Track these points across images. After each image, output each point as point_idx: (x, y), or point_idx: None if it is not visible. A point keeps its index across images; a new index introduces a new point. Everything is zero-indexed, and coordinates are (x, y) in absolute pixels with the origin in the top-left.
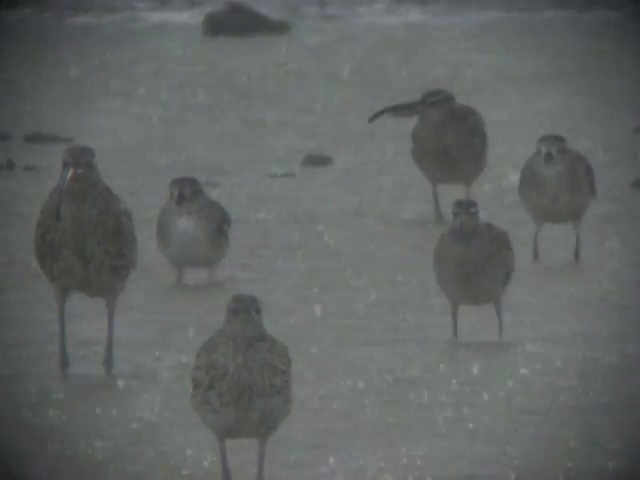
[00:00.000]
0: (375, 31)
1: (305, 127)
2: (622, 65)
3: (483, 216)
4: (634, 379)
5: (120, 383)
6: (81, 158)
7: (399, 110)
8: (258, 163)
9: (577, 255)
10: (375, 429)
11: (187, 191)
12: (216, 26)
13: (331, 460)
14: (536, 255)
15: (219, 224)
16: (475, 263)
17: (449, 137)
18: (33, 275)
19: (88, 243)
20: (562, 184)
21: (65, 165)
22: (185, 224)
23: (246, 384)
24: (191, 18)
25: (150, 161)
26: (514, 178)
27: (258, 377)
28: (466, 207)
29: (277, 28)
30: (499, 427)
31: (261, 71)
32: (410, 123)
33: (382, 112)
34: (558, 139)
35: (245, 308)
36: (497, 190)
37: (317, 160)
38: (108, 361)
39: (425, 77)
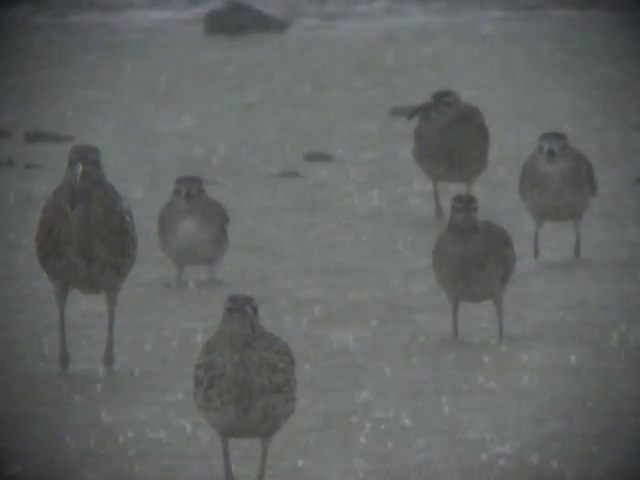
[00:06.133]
0: (374, 30)
1: (304, 125)
2: (624, 62)
3: (483, 214)
4: (636, 377)
5: (120, 380)
6: (88, 156)
7: (423, 109)
8: (258, 161)
9: (577, 253)
10: (376, 429)
11: (194, 189)
12: (216, 24)
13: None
14: (536, 253)
15: (220, 223)
16: (474, 259)
17: (456, 136)
18: (32, 273)
19: (93, 242)
20: (564, 181)
21: (72, 163)
22: (189, 223)
23: (245, 383)
24: (191, 16)
25: (151, 159)
26: (514, 176)
27: (256, 376)
28: (466, 202)
29: (277, 26)
30: (498, 427)
31: (261, 69)
32: (410, 123)
33: (417, 111)
34: (559, 136)
35: (240, 307)
36: (497, 188)
37: (318, 157)
38: (108, 358)
39: (425, 77)
